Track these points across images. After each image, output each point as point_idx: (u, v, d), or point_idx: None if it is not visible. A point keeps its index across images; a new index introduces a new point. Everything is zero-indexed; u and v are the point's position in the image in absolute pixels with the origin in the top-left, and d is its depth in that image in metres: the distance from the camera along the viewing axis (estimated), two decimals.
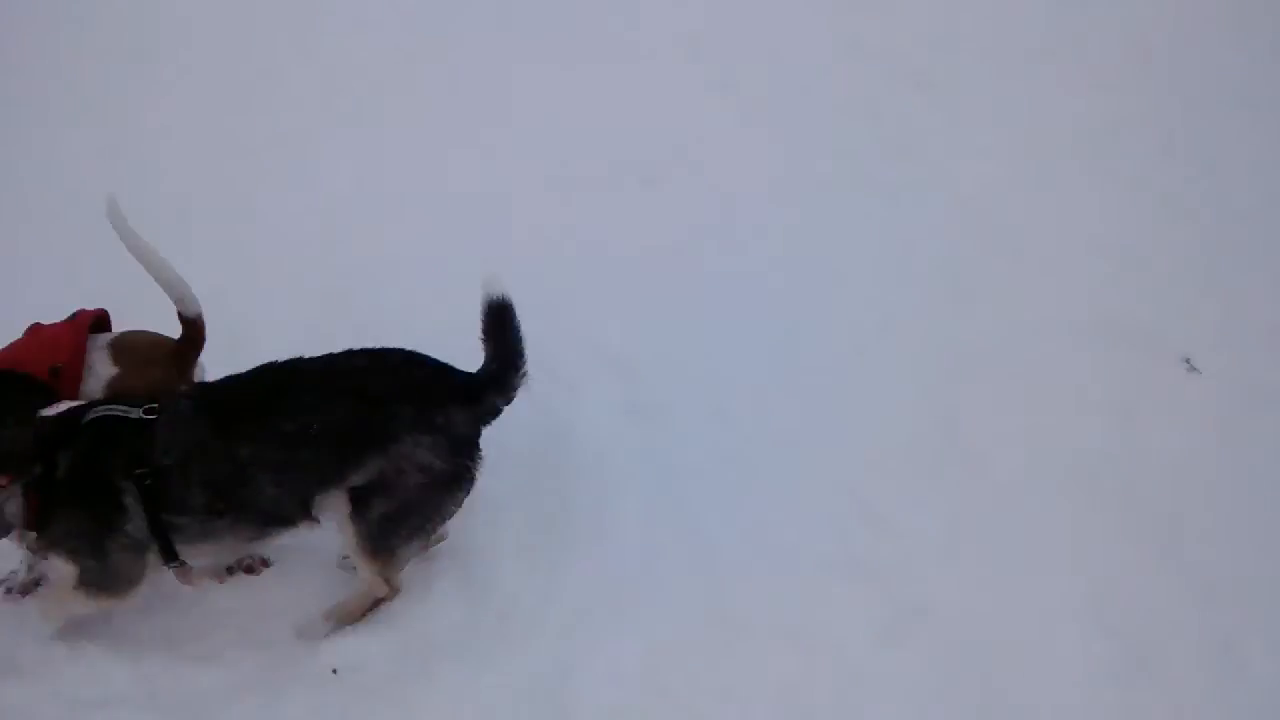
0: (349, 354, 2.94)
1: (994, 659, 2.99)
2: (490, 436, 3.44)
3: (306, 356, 2.93)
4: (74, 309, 3.20)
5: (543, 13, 5.35)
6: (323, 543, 3.06)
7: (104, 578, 2.87)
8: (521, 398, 3.54)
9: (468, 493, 2.96)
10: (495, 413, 2.99)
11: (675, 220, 4.31)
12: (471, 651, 2.97)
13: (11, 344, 3.12)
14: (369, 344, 2.99)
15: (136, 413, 2.82)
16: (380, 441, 2.84)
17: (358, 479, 2.86)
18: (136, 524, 2.82)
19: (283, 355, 2.93)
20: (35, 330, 3.16)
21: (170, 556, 2.88)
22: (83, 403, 2.92)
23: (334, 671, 2.94)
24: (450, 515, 2.99)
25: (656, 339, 3.84)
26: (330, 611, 3.05)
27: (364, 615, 3.05)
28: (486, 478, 3.32)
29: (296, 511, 2.90)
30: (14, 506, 2.79)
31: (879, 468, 3.44)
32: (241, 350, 3.06)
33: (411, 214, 4.33)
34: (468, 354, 3.01)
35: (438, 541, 3.19)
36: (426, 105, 4.89)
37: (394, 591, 3.06)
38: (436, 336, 3.09)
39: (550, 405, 3.58)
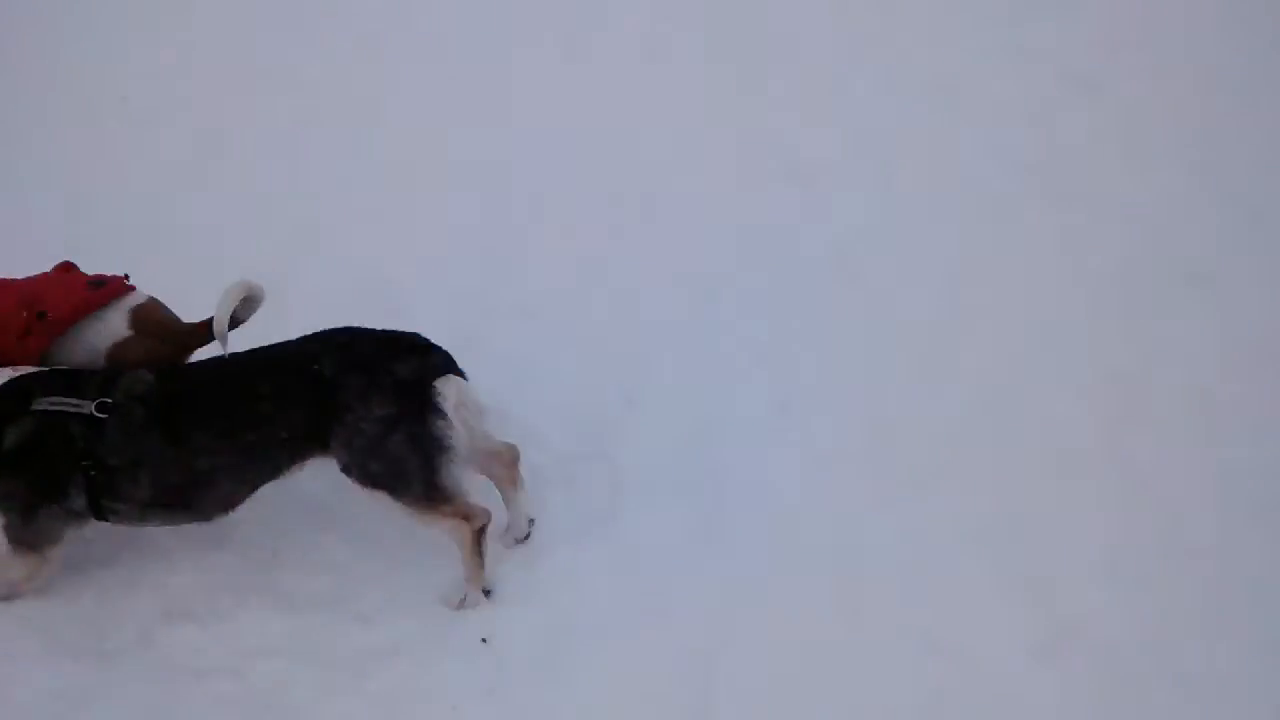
0: (304, 340, 3.05)
1: (1154, 683, 2.87)
2: (642, 424, 3.55)
3: (262, 346, 3.05)
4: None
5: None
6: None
7: (27, 534, 3.01)
8: (675, 387, 3.65)
9: (443, 418, 2.97)
10: (440, 371, 3.02)
11: (830, 221, 4.26)
12: (617, 632, 3.01)
13: (33, 278, 3.19)
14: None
15: (89, 408, 2.92)
16: (337, 414, 2.94)
17: (332, 456, 2.97)
18: (77, 503, 2.98)
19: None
20: (63, 270, 3.22)
21: (99, 519, 3.03)
22: (29, 370, 3.02)
23: (483, 640, 3.02)
24: (447, 438, 2.98)
25: (809, 338, 3.82)
26: (466, 576, 3.10)
27: (480, 555, 3.07)
28: (638, 465, 3.41)
29: (247, 495, 3.04)
30: None
31: (1038, 481, 3.34)
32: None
33: (577, 207, 4.38)
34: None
35: (504, 456, 3.22)
36: (594, 100, 4.90)
37: (477, 516, 3.04)
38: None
39: (701, 396, 3.62)
